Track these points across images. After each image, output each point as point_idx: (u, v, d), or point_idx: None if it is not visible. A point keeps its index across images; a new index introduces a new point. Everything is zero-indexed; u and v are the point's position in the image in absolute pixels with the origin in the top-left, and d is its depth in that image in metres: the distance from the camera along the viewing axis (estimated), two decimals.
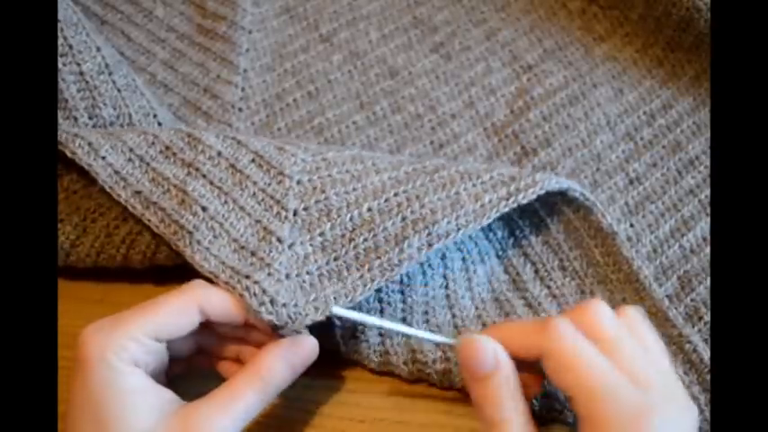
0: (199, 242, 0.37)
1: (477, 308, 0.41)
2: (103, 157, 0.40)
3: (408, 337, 0.39)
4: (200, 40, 0.56)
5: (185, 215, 0.38)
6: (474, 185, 0.39)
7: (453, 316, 0.40)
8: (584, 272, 0.42)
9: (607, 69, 0.53)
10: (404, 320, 0.40)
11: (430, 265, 0.41)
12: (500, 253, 0.43)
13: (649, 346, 0.32)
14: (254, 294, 0.34)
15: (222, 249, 0.36)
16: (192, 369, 0.37)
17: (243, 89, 0.53)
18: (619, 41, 0.55)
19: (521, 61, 0.54)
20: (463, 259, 0.42)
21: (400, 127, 0.51)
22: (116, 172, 0.40)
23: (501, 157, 0.49)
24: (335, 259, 0.37)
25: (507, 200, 0.38)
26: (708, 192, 0.46)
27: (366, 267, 0.36)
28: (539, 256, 0.43)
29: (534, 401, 0.37)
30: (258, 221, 0.38)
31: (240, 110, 0.52)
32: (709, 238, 0.44)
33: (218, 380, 0.34)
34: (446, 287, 0.41)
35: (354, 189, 0.39)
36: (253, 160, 0.40)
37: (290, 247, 0.37)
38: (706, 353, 0.37)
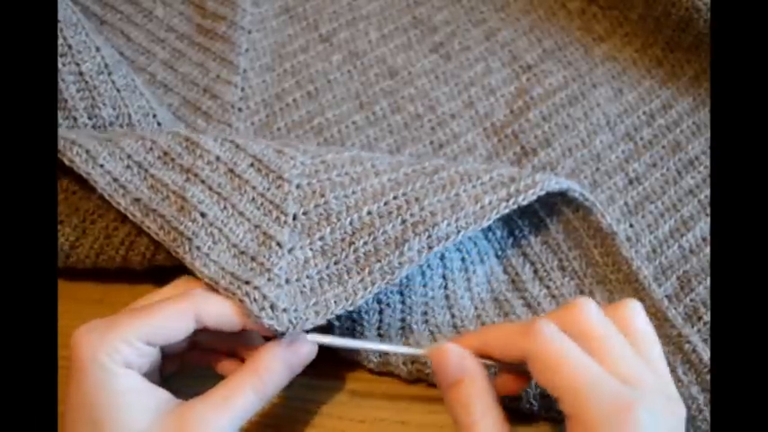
0: (198, 248, 0.36)
1: (476, 308, 0.41)
2: (101, 165, 0.40)
3: (406, 336, 0.39)
4: (200, 40, 0.56)
5: (184, 221, 0.37)
6: (474, 187, 0.39)
7: (452, 316, 0.40)
8: (583, 272, 0.42)
9: (607, 69, 0.53)
10: (403, 321, 0.40)
11: (429, 266, 0.41)
12: (499, 253, 0.43)
13: (641, 340, 0.32)
14: (255, 300, 0.34)
15: (222, 255, 0.36)
16: (185, 366, 0.37)
17: (242, 89, 0.53)
18: (618, 41, 0.55)
19: (520, 61, 0.54)
20: (462, 259, 0.42)
21: (400, 127, 0.51)
22: (115, 179, 0.39)
23: (501, 157, 0.49)
24: (336, 263, 0.37)
25: (507, 201, 0.38)
26: (707, 192, 0.46)
27: (366, 271, 0.36)
28: (538, 256, 0.43)
29: (534, 402, 0.37)
30: (257, 226, 0.38)
31: (240, 110, 0.52)
32: (708, 238, 0.44)
33: (214, 379, 0.34)
34: (445, 287, 0.41)
35: (354, 192, 0.39)
36: (251, 164, 0.40)
37: (289, 251, 0.37)
38: (705, 353, 0.37)
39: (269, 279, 0.35)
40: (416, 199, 0.38)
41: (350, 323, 0.39)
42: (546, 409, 0.37)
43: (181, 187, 0.39)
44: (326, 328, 0.37)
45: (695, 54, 0.52)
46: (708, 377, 0.37)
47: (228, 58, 0.55)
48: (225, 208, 0.38)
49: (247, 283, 0.34)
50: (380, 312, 0.40)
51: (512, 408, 0.37)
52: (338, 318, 0.36)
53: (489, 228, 0.43)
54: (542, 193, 0.39)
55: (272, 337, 0.35)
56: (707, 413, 0.36)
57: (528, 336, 0.31)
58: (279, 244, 0.37)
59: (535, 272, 0.42)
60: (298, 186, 0.39)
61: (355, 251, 0.37)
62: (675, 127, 0.50)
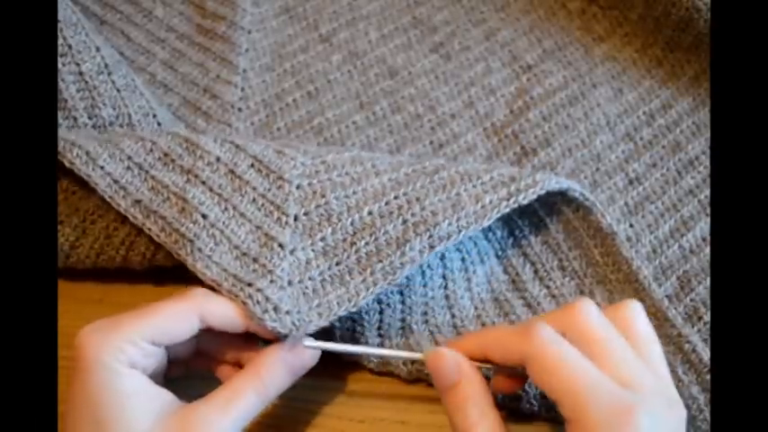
0: (200, 250, 0.36)
1: (476, 308, 0.41)
2: (102, 167, 0.40)
3: (405, 336, 0.39)
4: (200, 40, 0.56)
5: (186, 223, 0.37)
6: (474, 186, 0.39)
7: (453, 316, 0.40)
8: (583, 272, 0.42)
9: (607, 69, 0.53)
10: (403, 321, 0.40)
11: (429, 266, 0.41)
12: (499, 253, 0.43)
13: (641, 342, 0.32)
14: (258, 302, 0.34)
15: (224, 257, 0.36)
16: (190, 371, 0.37)
17: (242, 89, 0.53)
18: (618, 41, 0.55)
19: (520, 61, 0.54)
20: (462, 259, 0.42)
21: (400, 127, 0.51)
22: (115, 181, 0.39)
23: (501, 157, 0.49)
24: (337, 264, 0.37)
25: (508, 200, 0.38)
26: (707, 192, 0.46)
27: (368, 271, 0.36)
28: (538, 256, 0.43)
29: (534, 402, 0.37)
30: (259, 227, 0.38)
31: (240, 110, 0.52)
32: (708, 238, 0.44)
33: (217, 382, 0.34)
34: (445, 287, 0.41)
35: (354, 192, 0.39)
36: (252, 165, 0.40)
37: (291, 252, 0.37)
38: (705, 353, 0.37)
39: (271, 281, 0.35)
40: (417, 199, 0.38)
41: (350, 323, 0.39)
42: (546, 409, 0.37)
43: (181, 188, 0.39)
44: (327, 328, 0.37)
45: (695, 54, 0.52)
46: (708, 377, 0.37)
47: (228, 58, 0.55)
48: (226, 209, 0.38)
49: (250, 285, 0.34)
50: (381, 312, 0.39)
51: (512, 408, 0.37)
52: (338, 318, 0.36)
53: (489, 228, 0.43)
54: (543, 192, 0.39)
55: (274, 340, 0.35)
56: (707, 413, 0.36)
57: (526, 339, 0.31)
58: (280, 245, 0.37)
59: (535, 272, 0.42)
60: (298, 187, 0.39)
61: (357, 251, 0.37)
62: (675, 127, 0.50)
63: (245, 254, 0.37)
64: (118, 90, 0.47)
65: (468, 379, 0.32)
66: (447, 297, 0.41)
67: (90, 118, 0.46)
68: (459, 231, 0.37)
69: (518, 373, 0.34)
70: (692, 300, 0.41)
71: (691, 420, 0.35)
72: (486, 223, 0.38)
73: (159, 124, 0.47)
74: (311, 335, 0.35)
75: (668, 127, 0.50)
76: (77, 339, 0.32)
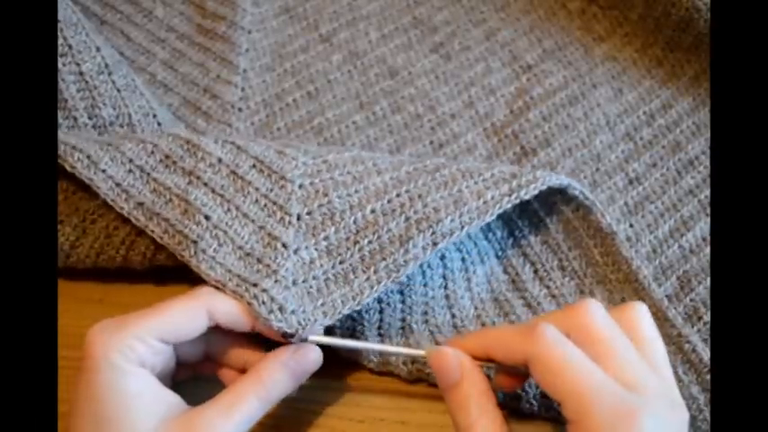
0: (204, 251, 0.36)
1: (476, 308, 0.41)
2: (104, 170, 0.40)
3: (405, 336, 0.39)
4: (200, 40, 0.56)
5: (189, 225, 0.37)
6: (476, 183, 0.39)
7: (453, 316, 0.40)
8: (583, 272, 0.42)
9: (607, 69, 0.53)
10: (403, 321, 0.40)
11: (429, 266, 0.41)
12: (499, 253, 0.43)
13: (646, 343, 0.32)
14: (263, 303, 0.34)
15: (228, 257, 0.36)
16: (197, 375, 0.37)
17: (243, 89, 0.53)
18: (618, 41, 0.55)
19: (520, 61, 0.54)
20: (462, 259, 0.42)
21: (400, 127, 0.51)
22: (117, 184, 0.39)
23: (500, 157, 0.49)
24: (341, 263, 0.37)
25: (509, 196, 0.38)
26: (707, 192, 0.46)
27: (372, 269, 0.36)
28: (538, 256, 0.43)
29: (534, 402, 0.37)
30: (262, 227, 0.38)
31: (240, 110, 0.52)
32: (708, 238, 0.44)
33: (223, 385, 0.34)
34: (445, 287, 0.41)
35: (357, 191, 0.39)
36: (253, 166, 0.40)
37: (295, 252, 0.37)
38: (705, 353, 0.37)
39: (276, 281, 0.35)
40: (419, 196, 0.38)
41: (350, 323, 0.39)
42: (546, 409, 0.37)
43: (184, 190, 0.39)
44: (328, 328, 0.37)
45: (695, 54, 0.52)
46: (708, 377, 0.37)
47: (228, 58, 0.55)
48: (229, 210, 0.38)
49: (255, 285, 0.35)
50: (381, 312, 0.40)
51: (512, 408, 0.37)
52: (339, 318, 0.36)
53: (489, 228, 0.43)
54: (544, 187, 0.39)
55: (279, 342, 0.35)
56: (707, 413, 0.36)
57: (530, 339, 0.31)
58: (284, 245, 0.37)
59: (535, 272, 0.42)
60: (300, 186, 0.39)
61: (360, 250, 0.37)
62: (675, 127, 0.50)
63: (248, 254, 0.37)
64: (118, 90, 0.47)
65: (469, 377, 0.33)
66: (447, 297, 0.41)
67: (90, 118, 0.46)
68: (462, 227, 0.37)
69: (519, 372, 0.34)
70: (691, 300, 0.41)
71: (691, 420, 0.35)
72: (488, 219, 0.38)
73: (159, 124, 0.47)
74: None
75: (668, 127, 0.50)
76: (87, 337, 0.32)
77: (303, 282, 0.36)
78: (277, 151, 0.41)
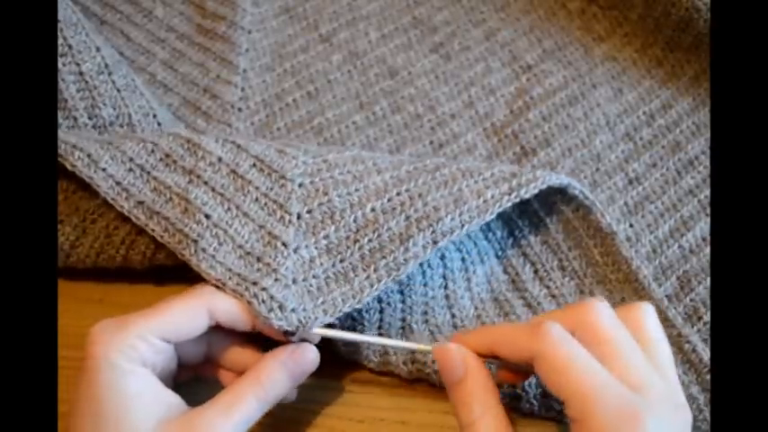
0: (204, 250, 0.36)
1: (476, 308, 0.41)
2: (104, 169, 0.40)
3: (406, 336, 0.39)
4: (200, 40, 0.56)
5: (189, 224, 0.37)
6: (476, 182, 0.39)
7: (453, 316, 0.40)
8: (583, 272, 0.42)
9: (606, 69, 0.53)
10: (403, 320, 0.40)
11: (429, 266, 0.41)
12: (499, 253, 0.43)
13: (651, 344, 0.32)
14: (263, 301, 0.34)
15: (228, 256, 0.36)
16: (198, 376, 0.37)
17: (242, 89, 0.53)
18: (618, 41, 0.55)
19: (520, 61, 0.54)
20: (462, 259, 0.42)
21: (400, 127, 0.51)
22: (117, 183, 0.39)
23: (500, 157, 0.49)
24: (341, 261, 0.37)
25: (509, 194, 0.38)
26: (707, 192, 0.46)
27: (372, 268, 0.36)
28: (538, 256, 0.43)
29: (534, 402, 0.37)
30: (262, 226, 0.38)
31: (240, 110, 0.52)
32: (708, 238, 0.44)
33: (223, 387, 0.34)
34: (445, 287, 0.41)
35: (357, 190, 0.39)
36: (254, 165, 0.40)
37: (295, 251, 0.37)
38: (705, 353, 0.37)
39: (276, 279, 0.35)
40: (419, 195, 0.38)
41: (350, 322, 0.39)
42: (546, 409, 0.37)
43: (184, 189, 0.39)
44: (328, 328, 0.37)
45: (695, 54, 0.52)
46: (708, 377, 0.37)
47: (228, 58, 0.55)
48: (229, 209, 0.38)
49: (255, 284, 0.35)
50: (381, 312, 0.40)
51: (512, 407, 0.37)
52: (339, 317, 0.36)
53: (489, 228, 0.43)
54: (544, 186, 0.39)
55: (279, 342, 0.35)
56: (707, 413, 0.36)
57: (535, 337, 0.31)
58: (284, 244, 0.37)
59: (535, 272, 0.42)
60: (300, 185, 0.39)
61: (360, 248, 0.37)
62: (675, 127, 0.50)
63: (249, 253, 0.37)
64: (118, 90, 0.47)
65: (473, 374, 0.32)
66: (447, 297, 0.41)
67: (90, 118, 0.46)
68: (462, 226, 0.37)
69: (522, 369, 0.34)
70: (691, 300, 0.41)
71: None
72: (488, 217, 0.38)
73: (159, 124, 0.47)
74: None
75: (668, 127, 0.50)
76: (88, 337, 0.32)
77: (303, 280, 0.36)
78: (277, 150, 0.41)
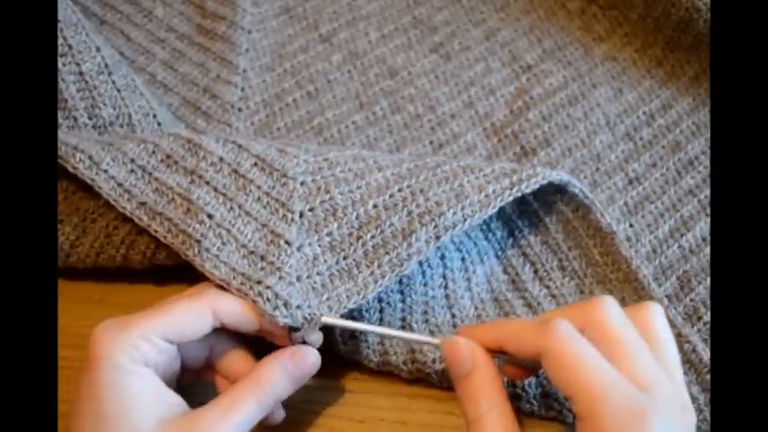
0: (207, 250, 0.36)
1: (476, 308, 0.41)
2: (105, 171, 0.40)
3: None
4: (200, 40, 0.56)
5: (192, 224, 0.37)
6: (477, 178, 0.39)
7: (453, 316, 0.40)
8: (583, 272, 0.42)
9: (606, 69, 0.53)
10: (403, 320, 0.40)
11: (429, 265, 0.41)
12: (499, 253, 0.43)
13: (659, 344, 0.32)
14: (268, 299, 0.34)
15: (231, 256, 0.36)
16: (201, 380, 0.37)
17: (242, 89, 0.53)
18: (618, 41, 0.55)
19: (520, 61, 0.54)
20: (462, 259, 0.42)
21: (400, 127, 0.51)
22: (119, 184, 0.39)
23: (500, 157, 0.49)
24: (345, 258, 0.37)
25: (510, 189, 0.38)
26: (707, 192, 0.46)
27: (376, 264, 0.37)
28: (538, 256, 0.43)
29: (534, 402, 0.37)
30: (265, 225, 0.38)
31: (240, 110, 0.52)
32: (708, 238, 0.44)
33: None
34: (445, 287, 0.41)
35: (358, 187, 0.39)
36: (255, 164, 0.40)
37: (298, 249, 0.37)
38: (705, 353, 0.37)
39: (280, 277, 0.35)
40: (421, 190, 0.38)
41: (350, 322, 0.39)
42: (546, 409, 0.37)
43: (186, 189, 0.39)
44: (327, 327, 0.37)
45: (695, 54, 0.52)
46: (708, 377, 0.37)
47: (228, 58, 0.55)
48: (231, 208, 0.38)
49: (259, 282, 0.35)
50: (381, 311, 0.40)
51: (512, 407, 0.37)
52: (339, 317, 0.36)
53: (489, 228, 0.43)
54: (544, 182, 0.39)
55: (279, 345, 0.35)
56: (707, 413, 0.36)
57: (544, 333, 0.31)
58: (287, 242, 0.37)
59: (535, 272, 0.42)
60: (302, 184, 0.39)
61: (363, 245, 0.37)
62: (675, 127, 0.50)
63: (252, 252, 0.37)
64: (118, 90, 0.47)
65: (481, 368, 0.32)
66: (447, 297, 0.41)
67: (90, 118, 0.46)
68: (464, 220, 0.37)
69: (528, 365, 0.34)
70: (691, 300, 0.41)
71: None
72: (489, 212, 0.38)
73: (159, 124, 0.47)
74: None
75: (668, 127, 0.50)
76: (92, 336, 0.32)
77: (307, 278, 0.36)
78: (278, 150, 0.41)
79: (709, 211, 0.45)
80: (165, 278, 0.42)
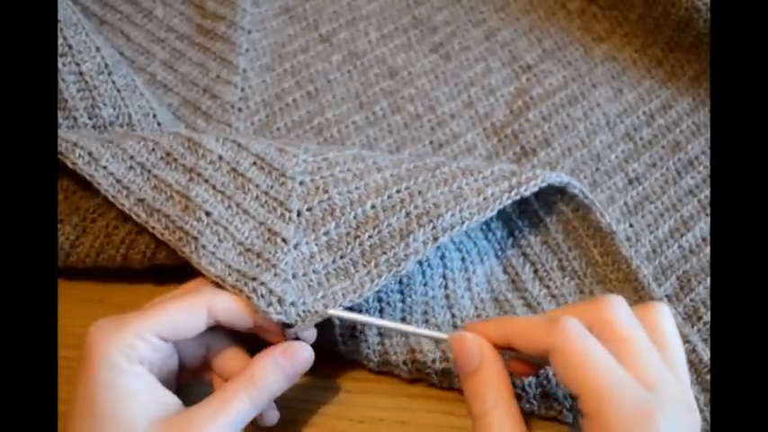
0: (204, 247, 0.36)
1: (476, 308, 0.41)
2: (105, 167, 0.40)
3: (406, 335, 0.39)
4: (200, 40, 0.56)
5: (189, 221, 0.38)
6: (476, 180, 0.39)
7: (453, 316, 0.40)
8: (583, 272, 0.42)
9: (606, 69, 0.53)
10: (403, 320, 0.40)
11: (429, 265, 0.41)
12: (499, 253, 0.43)
13: (666, 345, 0.32)
14: (262, 296, 0.34)
15: (228, 253, 0.36)
16: (199, 380, 0.37)
17: (242, 89, 0.53)
18: (618, 41, 0.55)
19: (520, 61, 0.54)
20: (462, 259, 0.42)
21: (400, 127, 0.51)
22: (118, 181, 0.39)
23: (500, 157, 0.49)
24: (341, 257, 0.37)
25: (510, 192, 0.38)
26: (707, 192, 0.46)
27: (372, 264, 0.37)
28: (538, 256, 0.43)
29: (534, 402, 0.37)
30: (262, 223, 0.38)
31: (240, 110, 0.52)
32: (708, 238, 0.44)
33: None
34: (445, 287, 0.41)
35: (357, 187, 0.39)
36: (254, 163, 0.40)
37: (295, 247, 0.37)
38: (705, 353, 0.37)
39: (275, 274, 0.35)
40: (420, 192, 0.38)
41: (350, 322, 0.39)
42: (546, 409, 0.37)
43: (184, 187, 0.39)
44: (327, 327, 0.37)
45: (695, 54, 0.52)
46: (708, 377, 0.37)
47: (228, 58, 0.55)
48: (229, 206, 0.38)
49: (254, 279, 0.35)
50: (381, 311, 0.40)
51: None
52: (340, 318, 0.36)
53: (489, 228, 0.43)
54: (544, 185, 0.39)
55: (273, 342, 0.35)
56: (707, 413, 0.36)
57: (552, 331, 0.31)
58: (284, 240, 0.37)
59: (535, 272, 0.42)
60: (301, 183, 0.39)
61: (361, 244, 0.37)
62: (675, 127, 0.50)
63: (248, 249, 0.37)
64: (118, 90, 0.47)
65: (489, 364, 0.32)
66: (447, 297, 0.41)
67: (90, 118, 0.46)
68: (462, 222, 0.37)
69: (534, 362, 0.34)
70: (691, 300, 0.41)
71: None
72: (488, 214, 0.38)
73: (159, 124, 0.47)
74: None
75: (668, 127, 0.50)
76: (87, 336, 0.32)
77: (303, 275, 0.36)
78: (277, 149, 0.41)
79: (709, 211, 0.45)
80: (165, 278, 0.42)
